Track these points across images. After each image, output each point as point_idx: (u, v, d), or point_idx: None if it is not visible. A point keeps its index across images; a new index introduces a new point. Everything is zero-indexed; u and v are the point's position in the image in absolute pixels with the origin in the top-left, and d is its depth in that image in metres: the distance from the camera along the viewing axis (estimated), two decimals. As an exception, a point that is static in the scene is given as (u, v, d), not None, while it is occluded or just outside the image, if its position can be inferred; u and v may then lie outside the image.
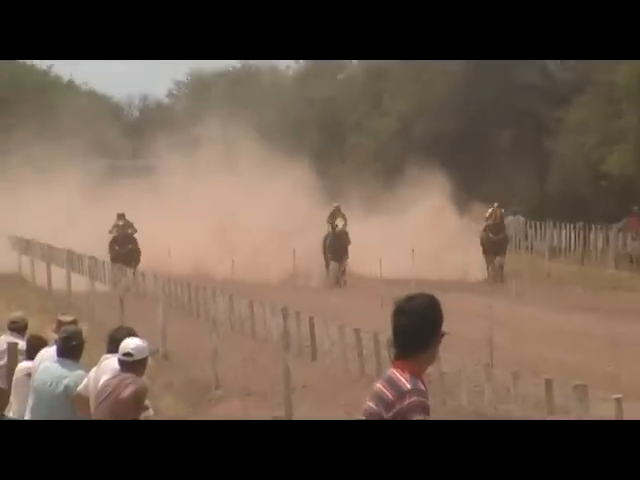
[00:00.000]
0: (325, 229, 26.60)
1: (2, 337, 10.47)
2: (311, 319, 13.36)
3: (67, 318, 9.63)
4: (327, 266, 26.23)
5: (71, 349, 8.00)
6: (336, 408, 11.53)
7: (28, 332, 10.18)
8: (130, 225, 24.81)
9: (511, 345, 15.05)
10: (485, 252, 26.78)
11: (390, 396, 4.36)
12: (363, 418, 4.49)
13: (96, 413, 7.15)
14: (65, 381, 7.87)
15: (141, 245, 24.98)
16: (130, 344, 7.25)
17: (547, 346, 15.63)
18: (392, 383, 4.38)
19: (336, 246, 25.67)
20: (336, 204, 26.97)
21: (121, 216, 24.78)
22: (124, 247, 24.19)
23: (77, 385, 7.71)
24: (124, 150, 43.69)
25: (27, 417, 8.09)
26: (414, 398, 4.33)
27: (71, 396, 7.76)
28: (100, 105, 50.26)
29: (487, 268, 26.92)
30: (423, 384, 4.41)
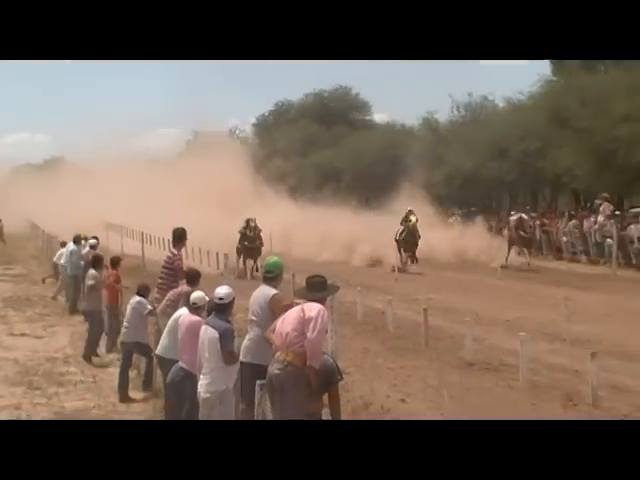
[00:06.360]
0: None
1: (86, 248, 21.68)
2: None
3: (93, 241, 21.18)
4: (399, 253, 32.58)
5: (96, 259, 17.53)
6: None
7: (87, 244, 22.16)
8: (257, 227, 33.24)
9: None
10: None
11: (171, 255, 13.23)
12: None
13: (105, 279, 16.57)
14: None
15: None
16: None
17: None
18: (172, 254, 13.26)
19: (408, 239, 31.79)
20: (409, 208, 32.46)
21: (252, 220, 33.39)
22: (253, 243, 32.53)
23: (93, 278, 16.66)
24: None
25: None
26: (178, 255, 13.15)
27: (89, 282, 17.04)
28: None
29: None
30: (180, 253, 13.36)
